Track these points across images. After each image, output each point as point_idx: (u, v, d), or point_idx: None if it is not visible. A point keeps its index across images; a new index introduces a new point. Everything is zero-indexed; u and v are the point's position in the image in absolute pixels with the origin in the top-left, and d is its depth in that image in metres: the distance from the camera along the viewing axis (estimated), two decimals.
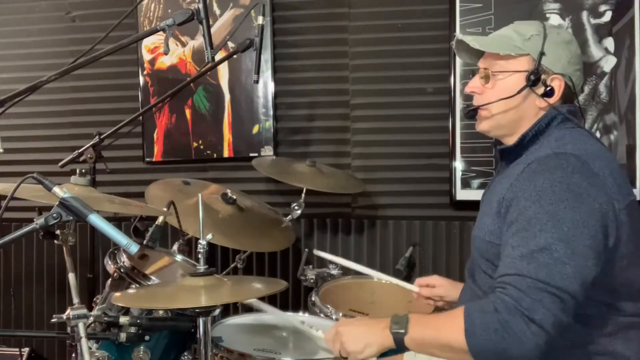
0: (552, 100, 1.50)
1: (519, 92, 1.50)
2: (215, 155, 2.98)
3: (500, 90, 1.52)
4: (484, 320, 1.27)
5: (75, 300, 1.63)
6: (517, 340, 1.23)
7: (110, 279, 1.94)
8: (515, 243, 1.32)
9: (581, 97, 1.69)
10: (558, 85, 1.50)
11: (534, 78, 1.49)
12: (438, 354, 1.38)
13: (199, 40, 2.94)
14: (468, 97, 2.72)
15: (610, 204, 1.34)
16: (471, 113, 1.59)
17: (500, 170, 1.62)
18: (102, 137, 2.31)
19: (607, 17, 2.59)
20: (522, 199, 1.36)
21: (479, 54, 1.60)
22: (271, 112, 2.91)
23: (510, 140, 1.56)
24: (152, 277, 1.89)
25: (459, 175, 2.76)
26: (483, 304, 1.31)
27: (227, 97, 2.95)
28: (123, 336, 1.71)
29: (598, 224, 1.31)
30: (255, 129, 2.93)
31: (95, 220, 1.37)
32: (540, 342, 1.23)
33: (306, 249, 2.49)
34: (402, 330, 1.38)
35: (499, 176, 1.60)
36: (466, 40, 1.54)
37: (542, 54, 1.49)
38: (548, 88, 1.49)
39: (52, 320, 1.61)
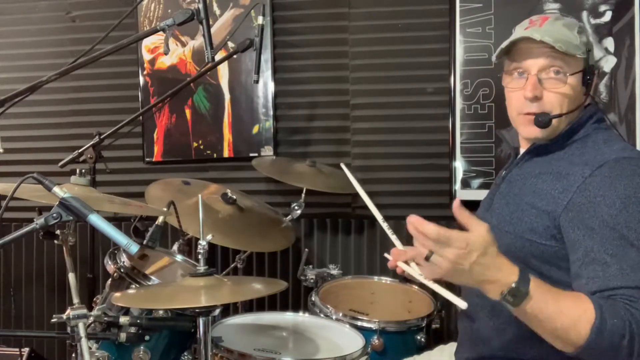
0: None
1: (586, 95, 1.44)
2: (215, 155, 2.97)
3: (564, 94, 1.44)
4: (615, 323, 1.24)
5: (75, 300, 1.64)
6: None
7: (110, 279, 1.94)
8: (612, 251, 1.29)
9: None
10: (595, 79, 1.48)
11: (589, 77, 1.44)
12: (540, 332, 1.27)
13: (199, 40, 2.94)
14: (468, 97, 2.75)
15: None
16: (548, 122, 1.44)
17: (520, 163, 1.57)
18: (102, 137, 2.31)
19: (607, 17, 2.59)
20: (604, 206, 1.32)
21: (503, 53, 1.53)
22: (271, 112, 2.91)
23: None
24: (152, 277, 1.89)
25: (459, 175, 2.76)
26: (613, 307, 1.25)
27: (227, 97, 2.95)
28: (123, 336, 1.71)
29: None
30: (255, 129, 2.93)
31: (95, 220, 1.37)
32: None
33: (306, 249, 2.50)
34: (512, 308, 1.23)
35: (521, 169, 1.55)
36: (549, 42, 1.41)
37: (589, 50, 1.44)
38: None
39: (52, 320, 1.62)
